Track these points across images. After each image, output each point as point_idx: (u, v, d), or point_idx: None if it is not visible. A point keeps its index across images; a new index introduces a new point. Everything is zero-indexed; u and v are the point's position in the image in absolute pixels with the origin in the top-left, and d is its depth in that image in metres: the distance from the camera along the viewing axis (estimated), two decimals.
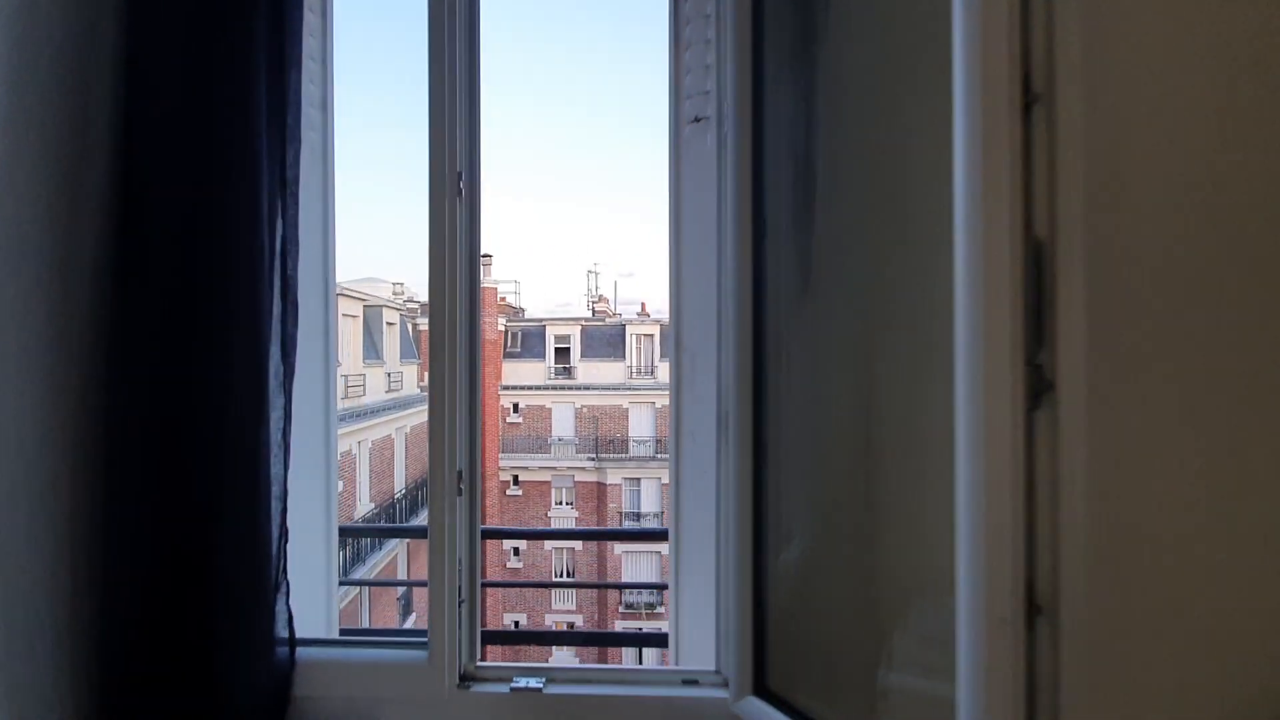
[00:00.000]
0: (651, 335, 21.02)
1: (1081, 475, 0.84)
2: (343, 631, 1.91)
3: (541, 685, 1.48)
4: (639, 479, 20.39)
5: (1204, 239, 0.85)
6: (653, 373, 20.81)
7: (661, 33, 1.80)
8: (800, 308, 1.48)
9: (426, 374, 1.53)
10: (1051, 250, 0.87)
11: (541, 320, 21.92)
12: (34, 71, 1.22)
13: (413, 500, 15.82)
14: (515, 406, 20.82)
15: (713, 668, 1.54)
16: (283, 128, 1.39)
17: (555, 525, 20.44)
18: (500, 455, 19.91)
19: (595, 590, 19.41)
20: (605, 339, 21.28)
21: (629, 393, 20.74)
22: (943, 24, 0.97)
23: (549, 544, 20.27)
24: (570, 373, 21.03)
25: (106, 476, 1.30)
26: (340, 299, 13.66)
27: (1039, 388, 0.86)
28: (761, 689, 1.42)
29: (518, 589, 19.53)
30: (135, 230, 1.31)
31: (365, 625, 13.88)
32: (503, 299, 21.32)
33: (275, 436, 1.39)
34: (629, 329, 21.22)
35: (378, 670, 1.48)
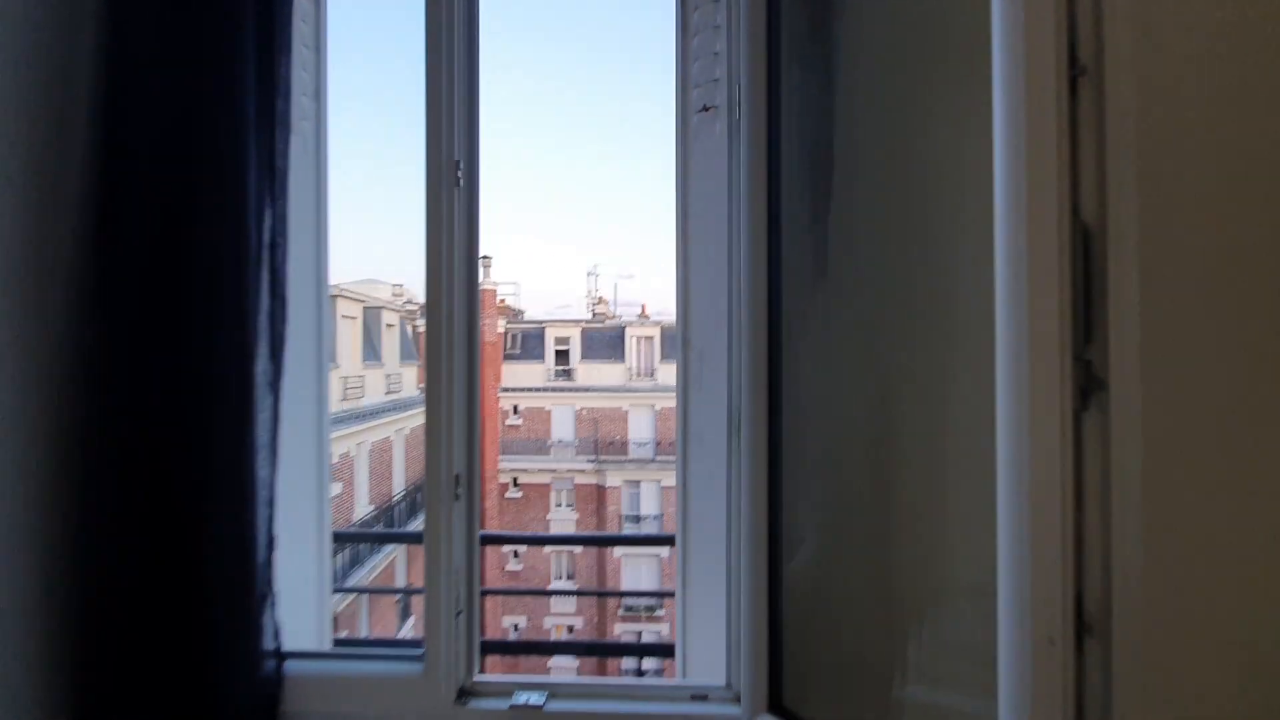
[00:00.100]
0: (651, 337, 20.96)
1: (1135, 482, 0.77)
2: (337, 642, 1.84)
3: (543, 702, 1.41)
4: (639, 481, 20.32)
5: (1267, 221, 0.78)
6: (652, 375, 20.75)
7: (664, 23, 1.73)
8: (814, 301, 1.41)
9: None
10: (1101, 236, 0.80)
11: (541, 322, 21.87)
12: (8, 55, 1.15)
13: (412, 502, 15.74)
14: (515, 408, 20.75)
15: (723, 682, 1.47)
16: (271, 115, 1.32)
17: (555, 527, 20.36)
18: (500, 457, 19.83)
19: (595, 591, 19.32)
20: (605, 341, 21.22)
21: (629, 395, 20.67)
22: None
23: (548, 547, 20.17)
24: (570, 375, 20.97)
25: (83, 482, 1.23)
26: (339, 300, 13.65)
27: (1088, 386, 0.79)
28: (776, 706, 1.35)
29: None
30: (114, 222, 1.24)
31: (364, 628, 13.82)
32: (502, 300, 21.25)
33: (263, 439, 1.31)
34: (629, 331, 21.16)
35: (371, 684, 1.41)
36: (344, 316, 13.97)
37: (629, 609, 19.48)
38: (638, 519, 20.19)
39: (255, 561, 1.30)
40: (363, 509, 14.36)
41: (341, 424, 13.16)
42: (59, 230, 1.24)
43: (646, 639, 19.59)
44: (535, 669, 18.10)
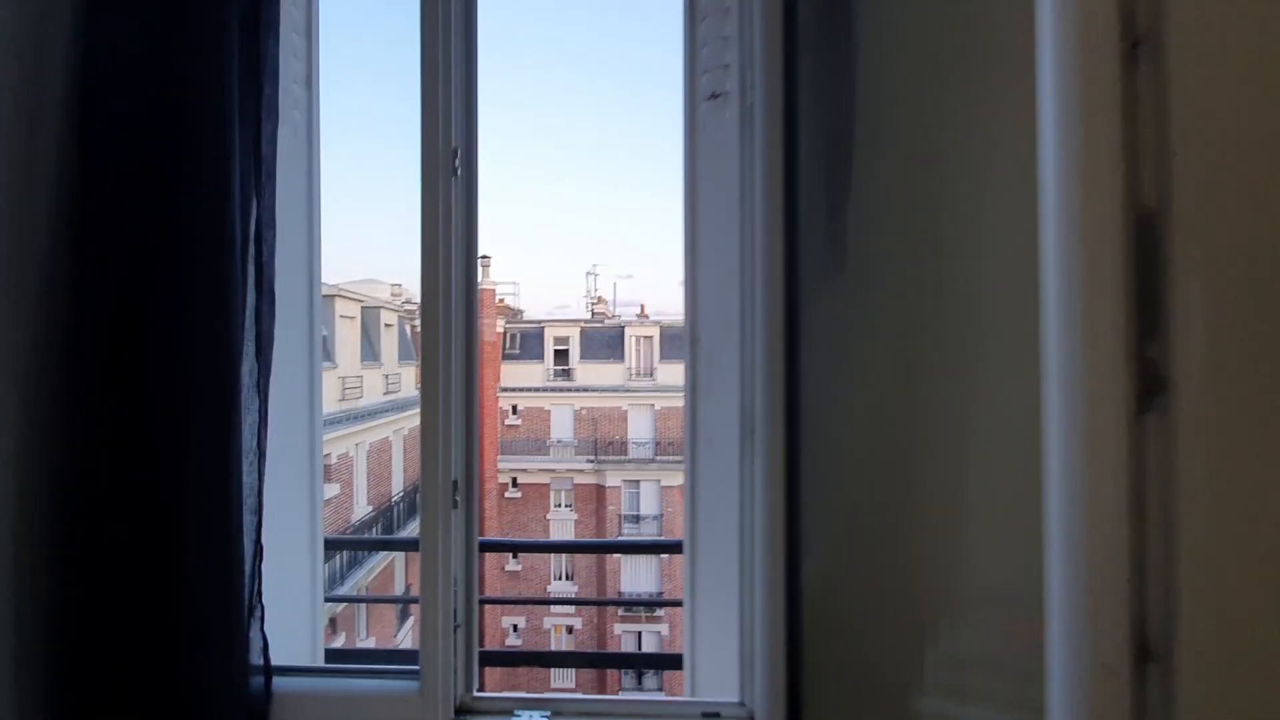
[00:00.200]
0: (651, 337, 20.91)
1: (1202, 492, 0.70)
2: (330, 653, 1.76)
3: None
4: (638, 481, 20.27)
5: None
6: (652, 375, 20.70)
7: (667, 9, 1.66)
8: (831, 298, 1.33)
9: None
10: (1163, 220, 0.72)
11: (540, 322, 21.81)
12: None
13: (410, 503, 15.68)
14: (514, 408, 20.69)
15: (736, 699, 1.39)
16: (257, 98, 1.25)
17: (554, 528, 20.31)
18: (499, 458, 19.76)
19: (593, 593, 19.23)
20: (604, 341, 21.17)
21: (628, 395, 20.62)
22: None
23: (543, 541, 20.10)
24: (569, 374, 20.92)
25: (53, 490, 1.16)
26: (338, 300, 13.59)
27: (1150, 386, 0.72)
28: None
29: (515, 591, 19.36)
30: (87, 212, 1.16)
31: (362, 629, 13.74)
32: (501, 300, 21.18)
33: (249, 443, 1.24)
34: (628, 331, 21.11)
35: (364, 703, 1.33)
36: (342, 316, 13.91)
37: (629, 609, 19.41)
38: (637, 519, 20.14)
39: (241, 572, 1.23)
40: (361, 510, 14.28)
41: (340, 424, 13.09)
42: (30, 220, 1.16)
43: (646, 639, 19.56)
44: (535, 672, 18.06)
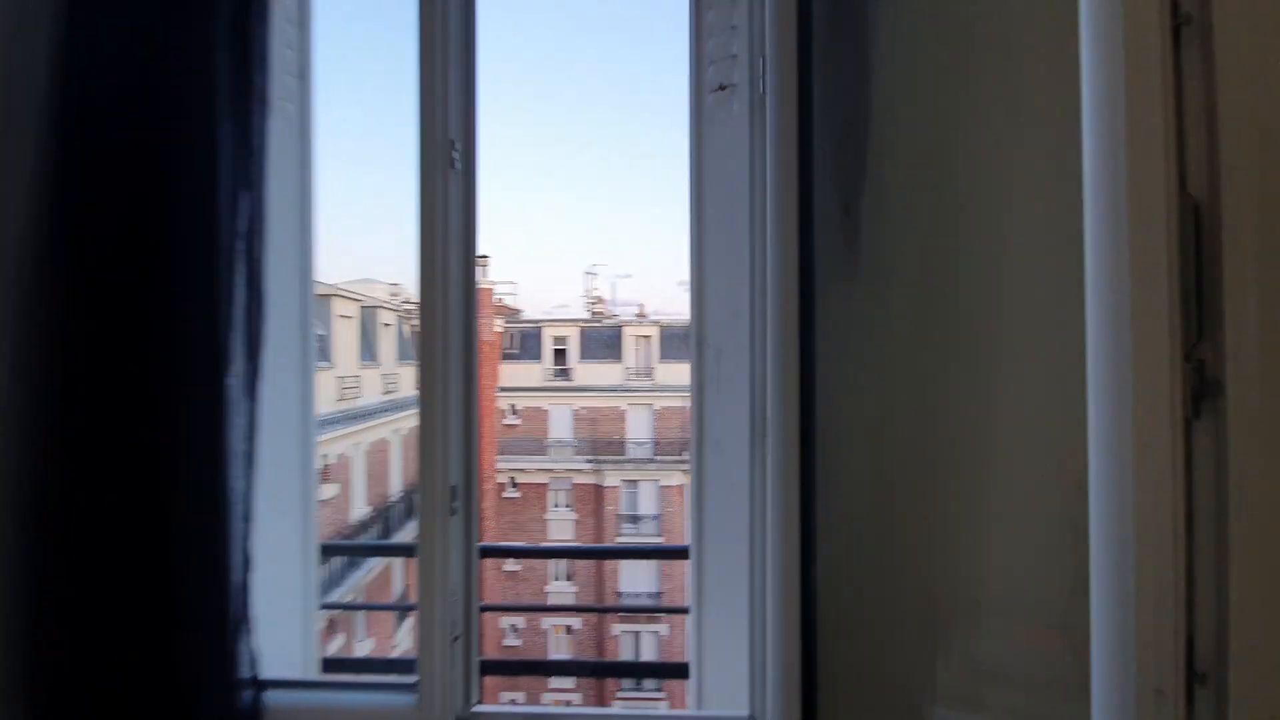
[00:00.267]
0: (649, 337, 20.85)
1: (1255, 502, 0.65)
2: (325, 662, 1.71)
3: None
4: (637, 481, 20.21)
5: None
6: (650, 374, 20.64)
7: (668, 2, 1.61)
8: (844, 294, 1.29)
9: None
10: (1213, 213, 0.68)
11: (539, 321, 21.74)
12: None
13: (409, 504, 15.60)
14: (512, 408, 20.63)
15: (746, 712, 1.34)
16: (247, 88, 1.20)
17: (553, 528, 20.24)
18: (497, 457, 19.69)
19: (593, 594, 19.18)
20: (603, 340, 21.10)
21: (627, 395, 20.56)
22: None
23: (546, 547, 20.03)
24: (568, 374, 20.85)
25: (34, 499, 1.10)
26: (335, 300, 13.51)
27: (1201, 390, 0.67)
28: None
29: (514, 592, 19.29)
30: (68, 205, 1.11)
31: (360, 631, 13.64)
32: (499, 300, 21.11)
33: (238, 448, 1.19)
34: (627, 330, 21.05)
35: (359, 717, 1.28)
36: (340, 316, 13.83)
37: (627, 610, 19.34)
38: (636, 519, 20.07)
39: (230, 583, 1.18)
40: (359, 511, 14.20)
41: (338, 424, 13.01)
42: (9, 214, 1.11)
43: (645, 640, 19.49)
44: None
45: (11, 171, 1.11)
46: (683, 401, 19.94)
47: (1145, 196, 0.67)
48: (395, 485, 15.80)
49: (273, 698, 1.27)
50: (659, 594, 19.37)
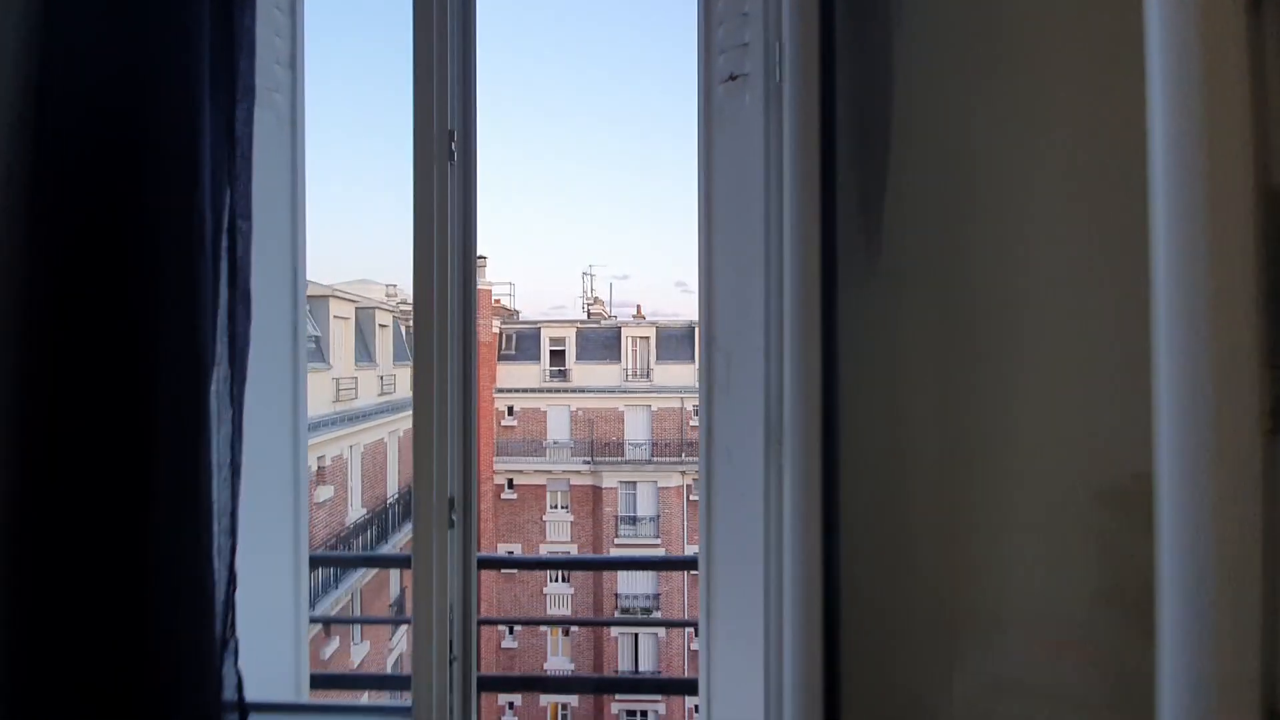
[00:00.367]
0: (647, 338, 20.83)
1: None
2: (315, 679, 1.63)
3: None
4: (635, 482, 20.18)
5: None
6: (648, 375, 20.60)
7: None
8: (865, 294, 1.22)
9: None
10: None
11: (536, 323, 21.71)
12: None
13: (406, 506, 15.51)
14: (510, 409, 20.58)
15: None
16: (231, 74, 1.12)
17: (550, 529, 20.21)
18: (495, 459, 19.63)
19: (591, 594, 19.13)
20: (600, 341, 21.08)
21: (624, 396, 20.52)
22: None
23: (544, 548, 20.00)
24: (565, 375, 20.82)
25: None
26: (332, 301, 13.45)
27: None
28: None
29: (512, 594, 19.23)
30: (38, 197, 1.03)
31: (357, 633, 13.55)
32: (497, 301, 21.06)
33: (222, 457, 1.12)
34: (624, 331, 21.03)
35: None
36: (336, 317, 13.78)
37: (625, 610, 19.29)
38: (634, 520, 20.04)
39: (213, 602, 1.10)
40: (356, 513, 14.13)
41: (334, 426, 12.95)
42: None
43: (644, 641, 19.44)
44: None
45: None
46: (680, 403, 19.94)
47: (1222, 187, 0.60)
48: (392, 487, 15.74)
49: None
50: (656, 595, 19.34)
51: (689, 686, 1.66)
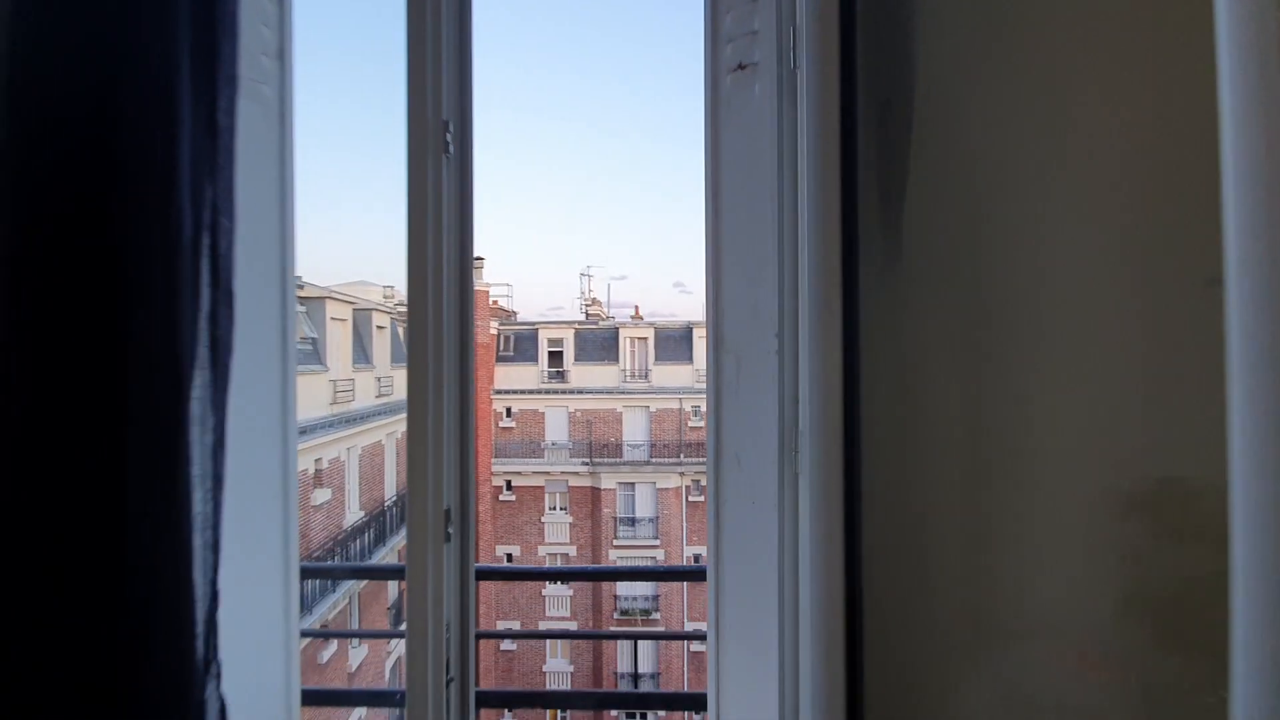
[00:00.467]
0: (645, 338, 20.80)
1: None
2: (306, 695, 1.56)
3: None
4: (633, 483, 20.13)
5: None
6: (646, 376, 20.55)
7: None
8: (883, 293, 1.16)
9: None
10: None
11: (534, 324, 21.66)
12: None
13: (404, 508, 15.43)
14: (508, 411, 20.52)
15: None
16: (212, 60, 1.05)
17: (549, 531, 20.15)
18: (493, 460, 19.57)
19: (590, 595, 19.06)
20: (599, 342, 21.04)
21: (623, 396, 20.47)
22: None
23: (542, 550, 19.95)
24: (563, 376, 20.76)
25: None
26: (329, 303, 13.39)
27: None
28: None
29: (510, 596, 19.16)
30: (1, 192, 0.96)
31: (354, 626, 13.47)
32: (495, 302, 21.01)
33: (203, 468, 1.05)
34: (622, 332, 21.00)
35: None
36: (333, 319, 13.73)
37: (624, 612, 19.25)
38: (633, 521, 19.99)
39: (193, 622, 1.03)
40: (354, 515, 14.07)
41: (332, 428, 12.89)
42: None
43: (644, 643, 19.37)
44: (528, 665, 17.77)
45: None
46: (679, 403, 19.88)
47: None
48: (390, 490, 15.68)
49: None
50: (655, 597, 19.28)
51: (697, 702, 1.60)
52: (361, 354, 15.14)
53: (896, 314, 1.15)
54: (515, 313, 22.83)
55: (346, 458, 13.98)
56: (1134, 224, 1.05)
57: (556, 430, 20.53)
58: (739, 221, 1.40)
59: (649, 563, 19.53)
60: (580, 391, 20.49)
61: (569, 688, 18.62)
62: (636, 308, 22.31)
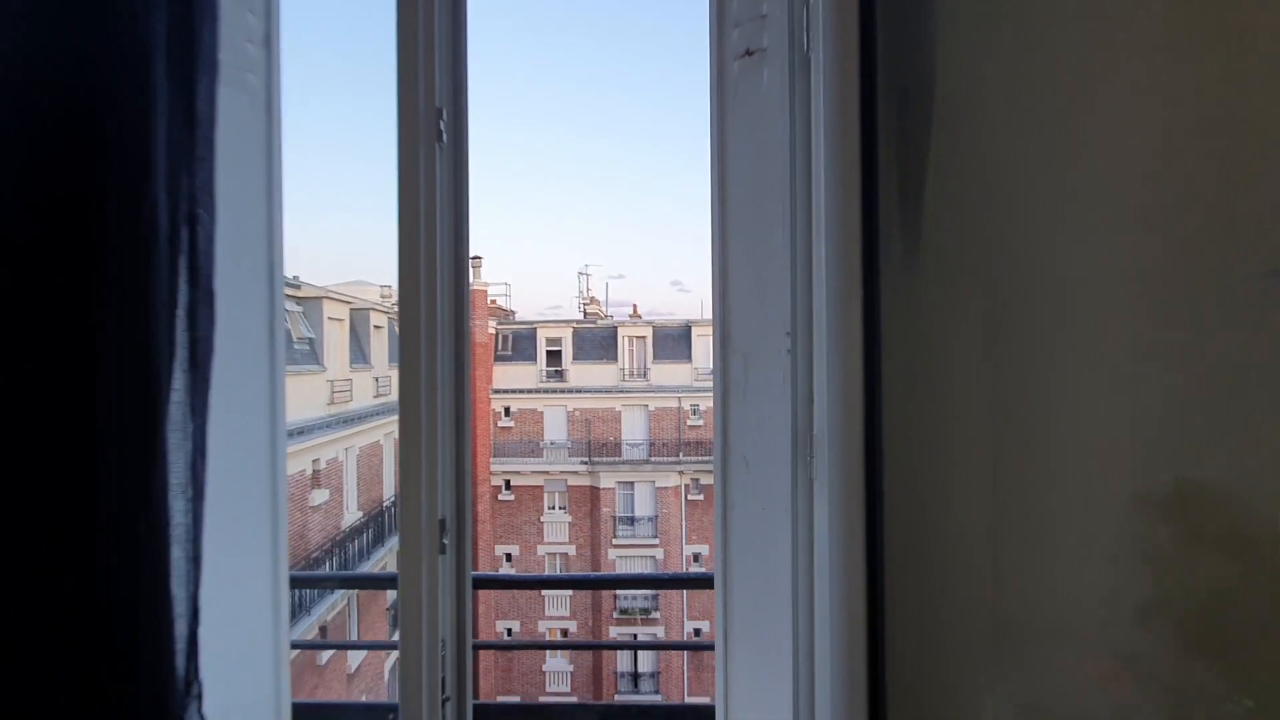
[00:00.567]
0: (644, 337, 20.77)
1: None
2: (296, 708, 1.50)
3: None
4: (632, 483, 20.11)
5: None
6: (645, 375, 20.52)
7: None
8: (901, 289, 1.10)
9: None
10: None
11: (532, 323, 21.62)
12: None
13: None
14: (506, 410, 20.49)
15: None
16: (190, 44, 0.99)
17: (548, 530, 20.14)
18: (491, 460, 19.52)
19: (589, 595, 19.01)
20: (597, 341, 21.00)
21: (621, 395, 20.44)
22: None
23: (541, 549, 19.92)
24: (562, 375, 20.73)
25: None
26: (326, 303, 13.34)
27: None
28: None
29: (510, 595, 19.11)
30: None
31: (353, 632, 13.43)
32: (493, 301, 20.95)
33: (182, 477, 0.99)
34: (621, 331, 20.98)
35: None
36: (331, 319, 13.68)
37: (624, 611, 19.22)
38: (632, 520, 19.96)
39: (172, 639, 0.97)
40: (352, 516, 14.02)
41: (329, 429, 12.83)
42: None
43: (641, 640, 19.35)
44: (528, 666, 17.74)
45: None
46: (677, 402, 19.82)
47: None
48: (388, 490, 15.63)
49: None
50: (655, 595, 19.23)
51: (702, 716, 1.54)
52: (359, 354, 15.09)
53: (915, 313, 1.10)
54: (513, 312, 22.78)
55: (344, 458, 13.94)
56: (1159, 220, 1.00)
57: (555, 429, 20.50)
58: (746, 215, 1.34)
59: (648, 561, 19.50)
60: (579, 390, 20.46)
61: (568, 688, 18.59)
62: (635, 306, 22.30)
